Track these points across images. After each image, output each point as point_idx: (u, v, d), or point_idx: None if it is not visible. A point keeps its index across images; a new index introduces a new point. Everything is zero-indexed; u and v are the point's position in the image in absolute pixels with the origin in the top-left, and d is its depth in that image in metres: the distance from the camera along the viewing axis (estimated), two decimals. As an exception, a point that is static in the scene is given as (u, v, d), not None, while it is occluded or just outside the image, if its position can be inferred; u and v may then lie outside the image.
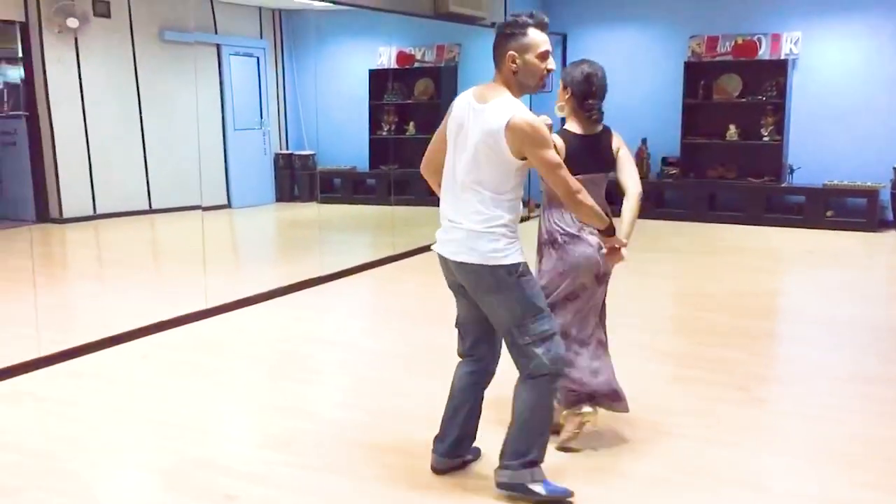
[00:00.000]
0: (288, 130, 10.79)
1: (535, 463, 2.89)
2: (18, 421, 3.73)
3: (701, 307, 5.83)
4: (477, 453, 3.23)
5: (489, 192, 2.76)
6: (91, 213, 8.41)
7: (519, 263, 2.78)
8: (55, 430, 3.61)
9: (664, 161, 9.77)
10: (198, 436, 3.56)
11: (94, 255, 8.08)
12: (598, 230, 3.01)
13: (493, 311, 2.87)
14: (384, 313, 6.00)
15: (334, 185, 10.41)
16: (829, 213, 8.89)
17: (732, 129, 9.37)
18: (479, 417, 3.15)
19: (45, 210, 8.15)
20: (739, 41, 9.32)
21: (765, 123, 9.17)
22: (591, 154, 3.26)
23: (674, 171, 9.67)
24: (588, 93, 3.24)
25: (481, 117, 2.76)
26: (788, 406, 3.93)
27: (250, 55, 10.19)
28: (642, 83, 9.97)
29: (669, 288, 6.56)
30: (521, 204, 2.88)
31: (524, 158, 2.75)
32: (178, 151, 8.43)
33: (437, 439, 3.13)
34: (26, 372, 4.29)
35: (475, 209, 2.77)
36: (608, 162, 3.31)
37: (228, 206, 9.65)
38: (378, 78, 10.06)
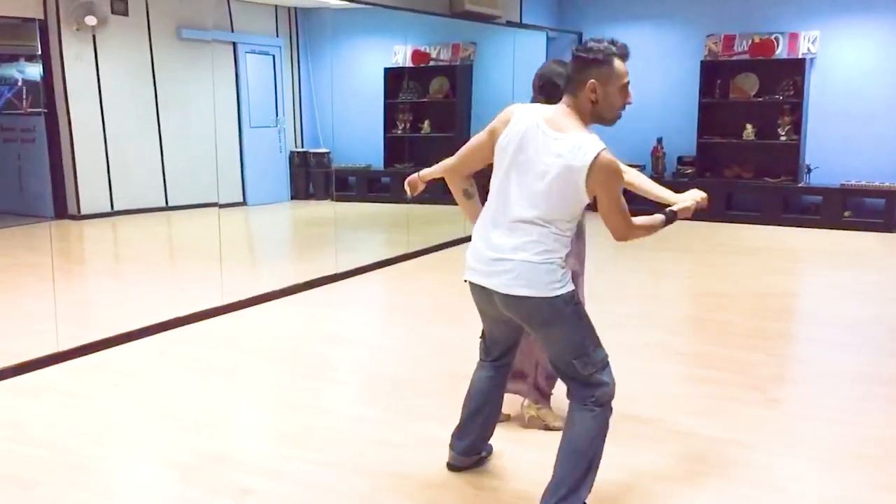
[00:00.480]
0: (303, 128, 10.83)
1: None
2: (37, 415, 3.77)
3: (716, 307, 5.81)
4: (490, 449, 3.23)
5: (553, 227, 2.60)
6: (108, 209, 8.49)
7: (574, 291, 2.67)
8: (73, 424, 3.65)
9: (680, 160, 9.74)
10: (214, 431, 3.58)
11: (112, 252, 8.15)
12: (667, 226, 2.85)
13: (551, 343, 2.72)
14: (399, 311, 6.01)
15: (349, 184, 10.44)
16: (846, 214, 8.83)
17: (749, 128, 9.33)
18: (498, 417, 3.15)
19: (63, 206, 8.23)
20: (756, 40, 9.27)
21: (782, 123, 9.12)
22: None
23: (689, 171, 9.63)
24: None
25: (556, 148, 2.56)
26: (804, 407, 3.92)
27: (266, 53, 10.23)
28: (658, 82, 9.94)
29: (685, 288, 6.54)
30: None
31: (594, 197, 2.59)
32: (194, 149, 8.48)
33: (456, 437, 3.12)
34: (45, 367, 4.34)
35: (535, 240, 2.59)
36: None
37: (244, 203, 9.69)
38: (393, 76, 10.08)
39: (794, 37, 9.17)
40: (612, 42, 2.61)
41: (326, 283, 6.33)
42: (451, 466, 3.14)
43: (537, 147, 2.60)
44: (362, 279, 6.65)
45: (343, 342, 5.03)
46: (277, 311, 5.65)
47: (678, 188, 10.36)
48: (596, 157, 2.51)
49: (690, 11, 9.80)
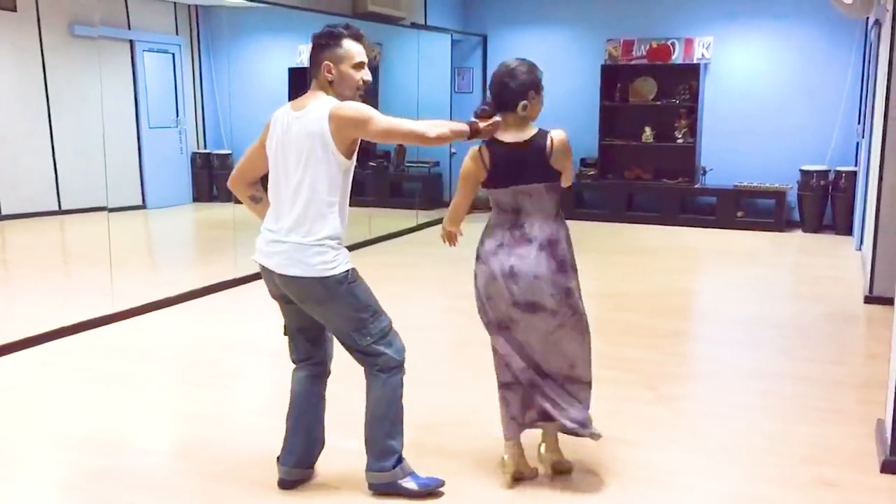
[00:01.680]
0: (206, 129, 10.56)
1: (402, 457, 2.94)
2: None
3: (615, 307, 5.93)
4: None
5: (314, 205, 2.75)
6: (-5, 213, 8.08)
7: (348, 271, 2.80)
8: (-54, 443, 3.44)
9: (582, 162, 9.91)
10: (98, 446, 3.43)
11: (-3, 258, 7.76)
12: (469, 138, 2.90)
13: (328, 321, 2.88)
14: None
15: (253, 186, 10.24)
16: (739, 214, 9.17)
17: (648, 131, 9.58)
18: (324, 420, 3.11)
19: (-56, 211, 7.80)
20: (654, 45, 9.52)
21: (678, 126, 9.40)
22: (516, 164, 2.95)
23: (592, 172, 9.82)
24: (492, 95, 2.99)
25: (300, 123, 2.75)
26: (695, 403, 4.03)
27: (165, 52, 9.94)
28: (561, 85, 10.07)
29: (585, 287, 6.60)
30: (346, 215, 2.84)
31: (353, 153, 2.77)
32: (89, 150, 8.15)
33: (284, 451, 3.05)
34: (-83, 382, 4.10)
35: (300, 223, 2.76)
36: (542, 171, 2.95)
37: (143, 206, 9.39)
38: (298, 76, 9.92)
39: (689, 42, 9.45)
40: (346, 26, 2.84)
41: (226, 289, 6.18)
42: (284, 483, 3.04)
43: (291, 133, 2.78)
44: (262, 284, 6.50)
45: (242, 348, 4.91)
46: (173, 317, 5.48)
47: (581, 190, 10.40)
48: (329, 110, 2.71)
49: (591, 16, 9.99)
